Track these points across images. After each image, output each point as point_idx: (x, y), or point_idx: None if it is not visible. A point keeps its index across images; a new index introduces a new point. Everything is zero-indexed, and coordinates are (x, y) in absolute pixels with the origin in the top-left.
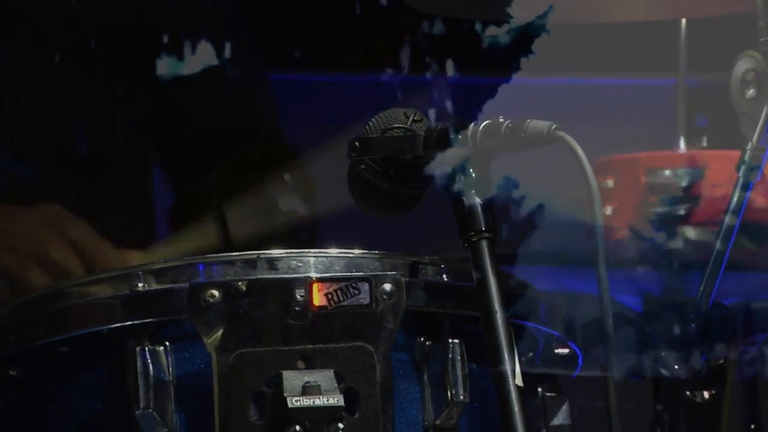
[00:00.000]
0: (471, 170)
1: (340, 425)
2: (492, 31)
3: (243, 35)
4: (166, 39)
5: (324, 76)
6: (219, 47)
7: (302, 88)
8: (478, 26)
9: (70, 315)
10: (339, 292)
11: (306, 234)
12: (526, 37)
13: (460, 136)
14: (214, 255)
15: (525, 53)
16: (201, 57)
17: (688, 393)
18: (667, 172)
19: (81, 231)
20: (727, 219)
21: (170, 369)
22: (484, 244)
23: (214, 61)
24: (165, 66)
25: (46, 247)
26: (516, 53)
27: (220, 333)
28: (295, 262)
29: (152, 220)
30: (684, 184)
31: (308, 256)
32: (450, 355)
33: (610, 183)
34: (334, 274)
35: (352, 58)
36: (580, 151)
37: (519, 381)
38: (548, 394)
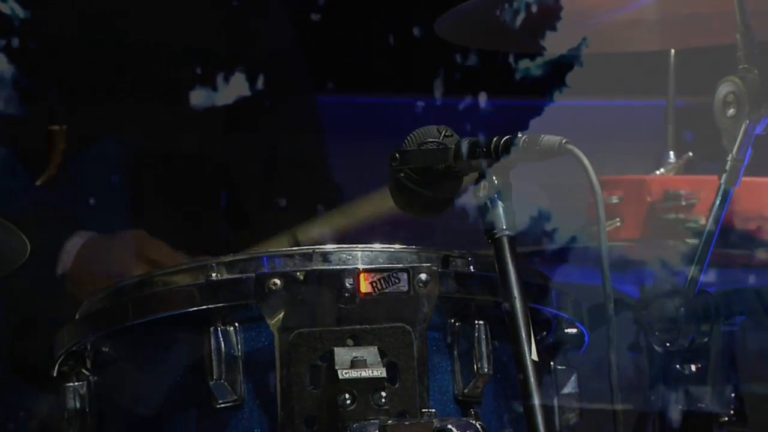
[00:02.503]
0: (494, 178)
1: (383, 393)
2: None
3: (301, 70)
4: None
5: (365, 98)
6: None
7: (345, 108)
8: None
9: (154, 300)
10: (382, 280)
11: None
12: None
13: (484, 149)
14: (276, 249)
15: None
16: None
17: (678, 366)
18: (671, 193)
19: (158, 249)
20: (711, 220)
21: (239, 346)
22: (505, 240)
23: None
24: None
25: (132, 268)
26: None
27: (281, 315)
28: (344, 256)
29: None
30: (684, 204)
31: (356, 250)
32: (476, 334)
33: (615, 199)
34: (378, 265)
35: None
36: (586, 161)
37: (535, 356)
38: (559, 367)
